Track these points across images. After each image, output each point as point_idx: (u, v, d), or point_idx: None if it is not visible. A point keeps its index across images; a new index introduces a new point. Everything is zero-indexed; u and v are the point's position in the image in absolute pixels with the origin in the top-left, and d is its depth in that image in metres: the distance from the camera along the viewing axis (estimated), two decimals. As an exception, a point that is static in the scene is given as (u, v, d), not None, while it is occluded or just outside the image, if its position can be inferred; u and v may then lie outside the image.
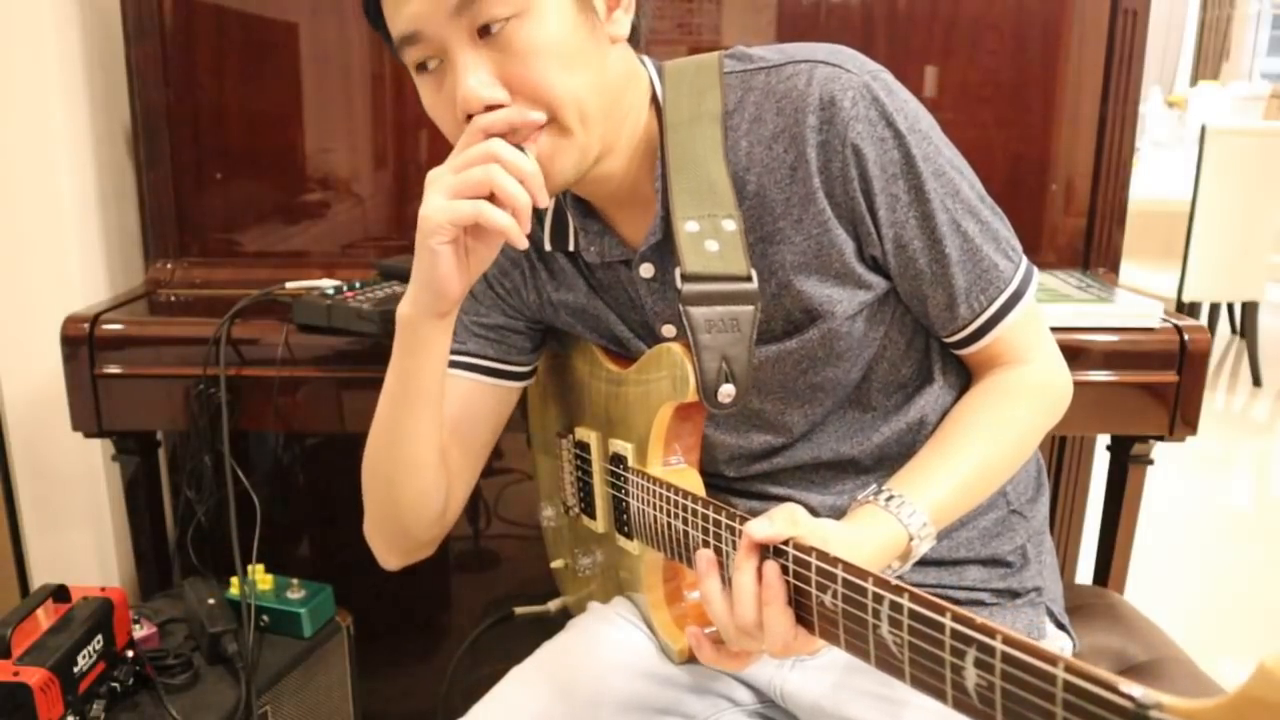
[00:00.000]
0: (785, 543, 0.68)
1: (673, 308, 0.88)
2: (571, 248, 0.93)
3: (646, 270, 0.88)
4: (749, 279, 0.82)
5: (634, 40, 0.86)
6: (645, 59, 0.88)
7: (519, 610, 1.23)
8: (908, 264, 0.84)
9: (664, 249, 0.86)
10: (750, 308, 0.82)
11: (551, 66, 0.76)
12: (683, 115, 0.84)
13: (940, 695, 0.58)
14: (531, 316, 1.01)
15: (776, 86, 0.82)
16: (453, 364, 1.00)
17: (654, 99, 0.86)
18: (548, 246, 0.94)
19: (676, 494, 0.83)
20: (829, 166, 0.81)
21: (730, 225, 0.82)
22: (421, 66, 0.79)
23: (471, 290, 1.01)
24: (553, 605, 1.21)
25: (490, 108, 0.76)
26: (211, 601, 1.24)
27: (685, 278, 0.82)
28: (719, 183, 0.83)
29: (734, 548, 0.73)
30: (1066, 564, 1.64)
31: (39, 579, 1.56)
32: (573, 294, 0.96)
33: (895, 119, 0.81)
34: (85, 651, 1.05)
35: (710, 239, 0.82)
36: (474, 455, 1.01)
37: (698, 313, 0.81)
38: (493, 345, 1.00)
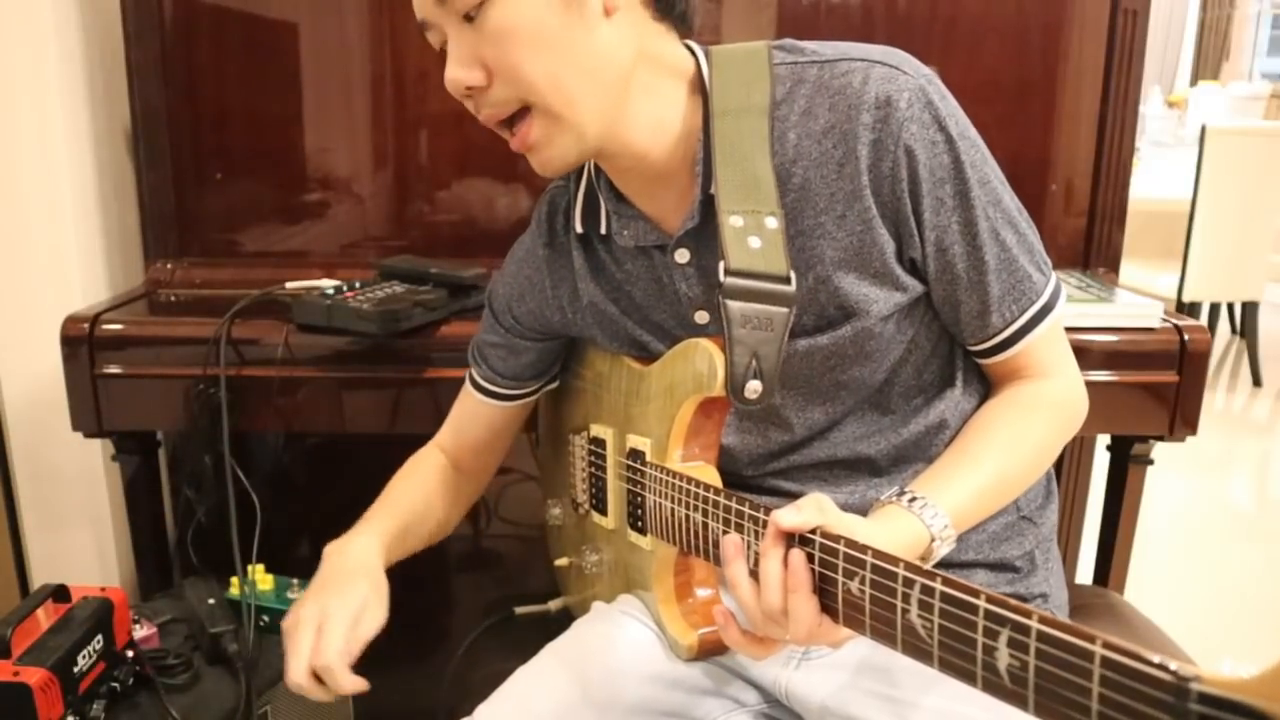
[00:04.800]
0: (812, 531, 0.69)
1: (708, 294, 0.88)
2: (604, 230, 0.93)
3: (682, 256, 0.88)
4: (788, 280, 0.83)
5: (684, 26, 0.86)
6: (694, 45, 0.88)
7: (519, 610, 1.23)
8: (946, 268, 0.85)
9: (700, 235, 0.87)
10: (785, 309, 0.83)
11: (523, 49, 0.78)
12: (730, 104, 0.84)
13: (969, 677, 0.58)
14: (552, 334, 1.04)
15: (830, 82, 0.82)
16: (479, 389, 1.08)
17: (699, 84, 0.86)
18: (578, 228, 0.95)
19: (697, 487, 0.83)
20: (879, 165, 0.81)
21: (773, 223, 0.83)
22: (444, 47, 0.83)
23: (492, 311, 1.05)
24: (553, 605, 1.21)
25: (471, 89, 0.80)
26: (211, 601, 1.24)
27: (728, 272, 0.82)
28: (764, 179, 0.83)
29: (756, 538, 0.74)
30: (1067, 564, 1.63)
31: (39, 579, 1.56)
32: (589, 297, 0.96)
33: (948, 124, 0.81)
34: (85, 651, 1.05)
35: (754, 235, 0.83)
36: (489, 471, 1.15)
37: (736, 307, 0.82)
38: (511, 369, 1.06)
